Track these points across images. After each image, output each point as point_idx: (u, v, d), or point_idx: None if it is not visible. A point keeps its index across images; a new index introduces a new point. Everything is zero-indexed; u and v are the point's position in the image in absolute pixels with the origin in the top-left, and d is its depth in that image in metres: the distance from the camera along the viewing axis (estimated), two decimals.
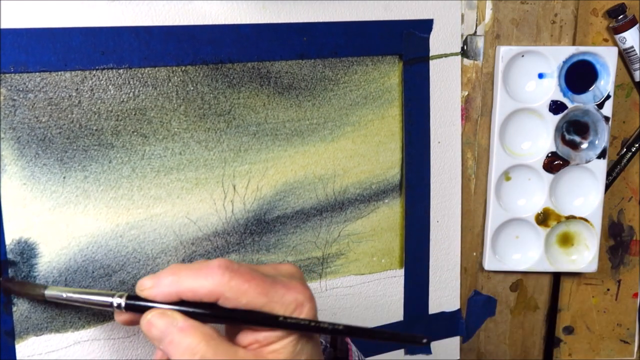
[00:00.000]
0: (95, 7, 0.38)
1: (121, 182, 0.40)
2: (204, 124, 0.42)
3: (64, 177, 0.39)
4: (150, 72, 0.40)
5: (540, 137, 0.50)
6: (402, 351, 0.53)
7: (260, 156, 0.43)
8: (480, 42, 0.48)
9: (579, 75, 0.49)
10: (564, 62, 0.48)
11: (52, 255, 0.39)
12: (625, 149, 0.51)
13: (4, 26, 0.36)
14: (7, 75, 0.36)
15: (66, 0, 0.37)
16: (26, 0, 0.36)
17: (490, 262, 0.51)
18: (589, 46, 0.48)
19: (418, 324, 0.52)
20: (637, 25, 0.49)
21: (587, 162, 0.50)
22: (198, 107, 0.41)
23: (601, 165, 0.50)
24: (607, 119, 0.49)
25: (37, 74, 0.37)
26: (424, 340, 0.30)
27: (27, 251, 0.39)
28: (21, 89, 0.37)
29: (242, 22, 0.41)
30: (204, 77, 0.41)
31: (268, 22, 0.42)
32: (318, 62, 0.44)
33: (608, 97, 0.49)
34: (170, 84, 0.40)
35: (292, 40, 0.43)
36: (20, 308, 0.38)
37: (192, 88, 0.41)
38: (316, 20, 0.43)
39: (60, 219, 0.39)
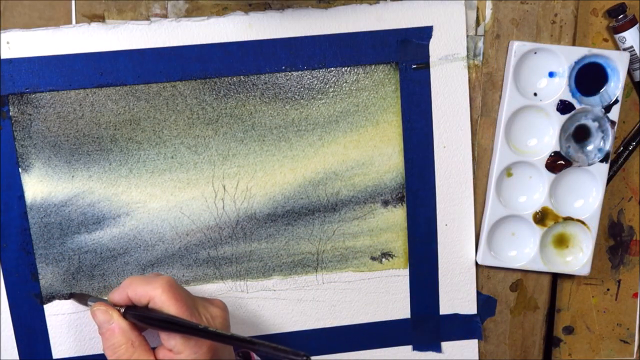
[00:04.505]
0: (94, 35, 0.66)
1: (120, 181, 0.67)
2: (193, 132, 0.67)
3: (72, 176, 0.67)
4: (143, 88, 0.65)
5: (545, 136, 0.72)
6: (409, 347, 0.77)
7: (248, 160, 0.68)
8: (480, 42, 0.69)
9: (588, 77, 0.69)
10: (576, 63, 0.69)
11: (65, 238, 0.70)
12: (622, 147, 0.74)
13: (19, 55, 0.62)
14: (24, 95, 0.64)
15: (69, 30, 0.65)
16: (35, 33, 0.65)
17: (484, 258, 0.75)
18: (602, 49, 0.69)
19: (427, 323, 0.78)
20: (637, 25, 0.69)
21: (590, 164, 0.72)
22: (187, 117, 0.66)
23: (603, 169, 0.72)
24: (613, 123, 0.70)
25: (47, 93, 0.64)
26: (304, 358, 0.56)
27: (46, 233, 0.67)
28: (35, 105, 0.64)
29: (229, 40, 0.64)
30: (192, 90, 0.66)
31: (254, 39, 0.64)
32: (305, 74, 0.66)
33: (616, 101, 0.70)
34: (161, 98, 0.66)
35: (278, 54, 0.68)
36: (45, 277, 0.68)
37: (180, 101, 0.65)
38: (304, 35, 0.64)
39: (71, 210, 0.69)
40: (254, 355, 0.69)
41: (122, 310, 0.62)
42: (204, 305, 0.64)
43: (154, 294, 0.60)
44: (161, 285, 0.61)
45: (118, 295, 0.63)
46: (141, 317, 0.61)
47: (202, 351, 0.60)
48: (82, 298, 0.70)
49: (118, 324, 0.62)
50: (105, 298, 0.67)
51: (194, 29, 0.67)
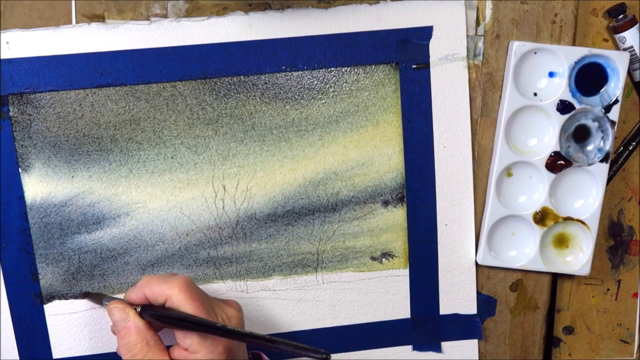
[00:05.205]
0: (94, 35, 0.66)
1: (120, 181, 0.67)
2: (193, 132, 0.67)
3: (72, 177, 0.67)
4: (143, 88, 0.65)
5: (545, 136, 0.72)
6: (409, 347, 0.77)
7: (248, 160, 0.68)
8: (480, 42, 0.70)
9: (588, 77, 0.70)
10: (576, 63, 0.70)
11: (65, 238, 0.70)
12: (622, 147, 0.75)
13: (19, 55, 0.62)
14: (23, 95, 0.64)
15: (69, 30, 0.66)
16: (35, 33, 0.65)
17: (484, 258, 0.76)
18: (602, 49, 0.70)
19: (427, 323, 0.78)
20: (637, 25, 0.70)
21: (590, 164, 0.72)
22: (187, 117, 0.66)
23: (603, 169, 0.72)
24: (613, 123, 0.71)
25: (47, 93, 0.64)
26: (324, 356, 0.54)
27: (46, 233, 0.67)
28: (35, 105, 0.64)
29: (229, 40, 0.64)
30: (192, 90, 0.66)
31: (254, 39, 0.64)
32: (305, 74, 0.66)
33: (616, 101, 0.71)
34: (161, 98, 0.66)
35: (278, 54, 0.68)
36: (45, 277, 0.68)
37: (180, 101, 0.65)
38: (304, 35, 0.64)
39: (71, 210, 0.70)
40: (264, 357, 0.69)
41: (139, 309, 0.63)
42: (220, 306, 0.65)
43: (171, 293, 0.61)
44: (178, 285, 0.61)
45: (135, 294, 0.63)
46: (158, 316, 0.61)
47: (218, 351, 0.60)
48: (97, 297, 0.70)
49: (134, 322, 0.62)
50: (122, 297, 0.67)
51: (194, 29, 0.67)
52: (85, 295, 0.72)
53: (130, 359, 0.62)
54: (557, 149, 0.71)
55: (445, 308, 0.77)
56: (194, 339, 0.60)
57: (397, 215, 0.74)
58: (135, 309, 0.63)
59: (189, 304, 0.60)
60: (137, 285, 0.64)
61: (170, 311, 0.61)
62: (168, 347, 0.63)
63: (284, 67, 0.68)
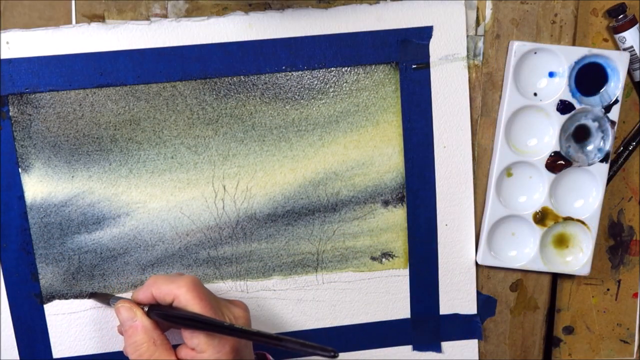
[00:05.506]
0: (94, 35, 0.66)
1: (120, 181, 0.67)
2: (193, 132, 0.67)
3: (72, 177, 0.67)
4: (143, 88, 0.65)
5: (545, 136, 0.73)
6: (409, 347, 0.78)
7: (248, 160, 0.68)
8: (480, 42, 0.70)
9: (588, 77, 0.70)
10: (576, 63, 0.70)
11: (65, 238, 0.71)
12: (622, 147, 0.76)
13: (19, 55, 0.62)
14: (23, 95, 0.64)
15: (69, 30, 0.66)
16: (35, 33, 0.65)
17: (484, 258, 0.76)
18: (602, 49, 0.70)
19: (427, 323, 0.78)
20: (637, 25, 0.70)
21: (590, 164, 0.73)
22: (187, 117, 0.66)
23: (603, 169, 0.73)
24: (613, 123, 0.71)
25: (47, 93, 0.65)
26: (332, 353, 0.54)
27: (46, 233, 0.67)
28: (35, 105, 0.64)
29: (229, 40, 0.64)
30: (192, 90, 0.66)
31: (254, 39, 0.64)
32: (305, 74, 0.66)
33: (616, 101, 0.71)
34: (161, 98, 0.66)
35: (278, 54, 0.69)
36: (45, 277, 0.68)
37: (180, 101, 0.65)
38: (304, 35, 0.64)
39: (71, 210, 0.70)
40: (269, 357, 0.69)
41: (146, 308, 0.63)
42: (227, 306, 0.65)
43: (179, 292, 0.61)
44: (186, 284, 0.61)
45: (142, 293, 0.63)
46: (165, 315, 0.61)
47: (225, 350, 0.60)
48: (104, 297, 0.70)
49: (141, 321, 0.62)
50: (129, 297, 0.67)
51: (194, 29, 0.67)
52: (91, 295, 0.72)
53: (136, 359, 0.62)
54: (557, 149, 0.71)
55: (445, 308, 0.77)
56: (201, 339, 0.60)
57: (397, 215, 0.74)
58: (143, 309, 0.63)
59: (196, 303, 0.60)
60: (144, 285, 0.64)
61: (178, 311, 0.61)
62: (175, 347, 0.63)
63: (284, 67, 0.68)
